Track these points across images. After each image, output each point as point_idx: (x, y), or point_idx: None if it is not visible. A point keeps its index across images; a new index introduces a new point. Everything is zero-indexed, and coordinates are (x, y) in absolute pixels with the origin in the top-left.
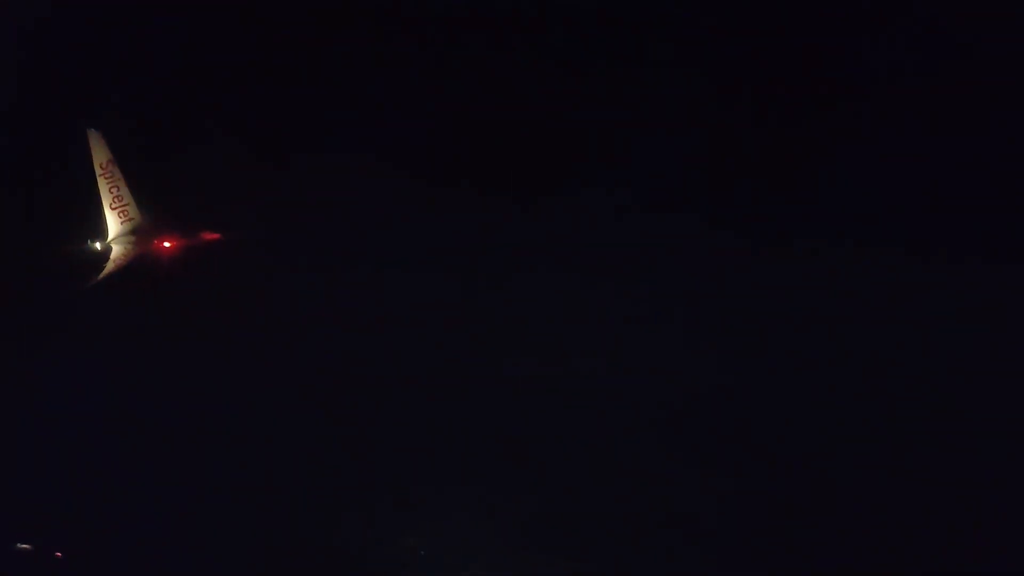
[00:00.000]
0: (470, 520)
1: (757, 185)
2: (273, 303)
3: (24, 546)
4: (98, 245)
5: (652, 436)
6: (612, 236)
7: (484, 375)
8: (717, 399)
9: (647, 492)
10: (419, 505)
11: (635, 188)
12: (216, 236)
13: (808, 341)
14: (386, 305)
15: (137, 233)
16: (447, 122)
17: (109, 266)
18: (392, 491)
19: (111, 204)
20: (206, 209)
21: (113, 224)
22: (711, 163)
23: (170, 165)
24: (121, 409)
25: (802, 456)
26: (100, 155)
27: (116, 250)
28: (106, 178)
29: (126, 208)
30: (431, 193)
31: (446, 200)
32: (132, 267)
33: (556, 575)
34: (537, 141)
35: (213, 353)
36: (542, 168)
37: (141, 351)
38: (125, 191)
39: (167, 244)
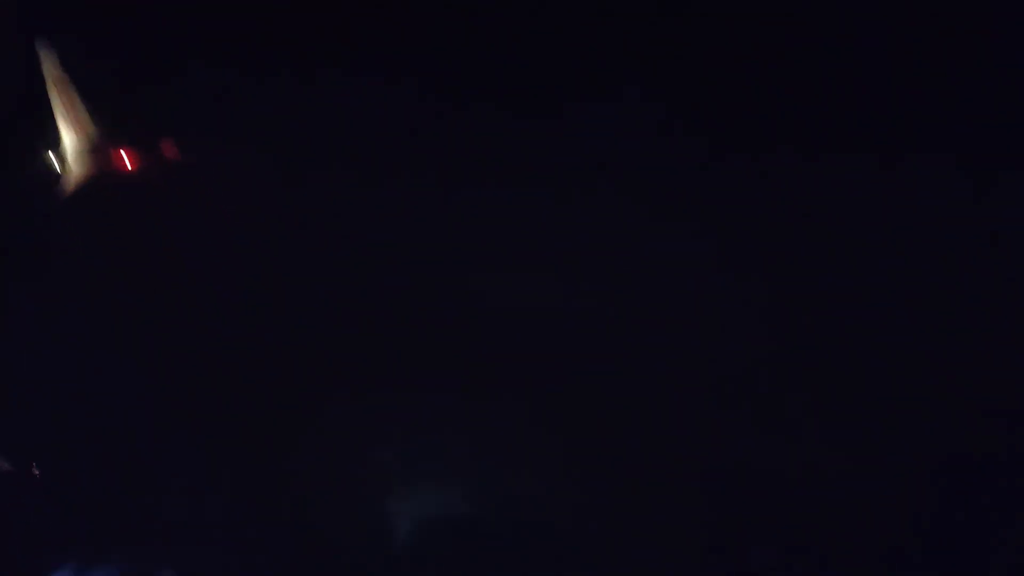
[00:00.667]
0: (454, 433)
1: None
2: (243, 219)
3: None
4: (55, 163)
5: (661, 369)
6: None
7: (486, 291)
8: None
9: (650, 425)
10: (395, 416)
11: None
12: (179, 153)
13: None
14: (375, 218)
15: (96, 151)
16: (451, 35)
17: (68, 186)
18: (365, 399)
19: (66, 119)
20: (170, 124)
21: (69, 141)
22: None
23: (130, 76)
24: (93, 336)
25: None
26: (52, 68)
27: (74, 169)
28: (59, 92)
29: (82, 123)
30: (428, 104)
31: (448, 112)
32: (92, 185)
33: (544, 491)
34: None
35: (185, 272)
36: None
37: (110, 273)
38: (80, 106)
39: (128, 160)
